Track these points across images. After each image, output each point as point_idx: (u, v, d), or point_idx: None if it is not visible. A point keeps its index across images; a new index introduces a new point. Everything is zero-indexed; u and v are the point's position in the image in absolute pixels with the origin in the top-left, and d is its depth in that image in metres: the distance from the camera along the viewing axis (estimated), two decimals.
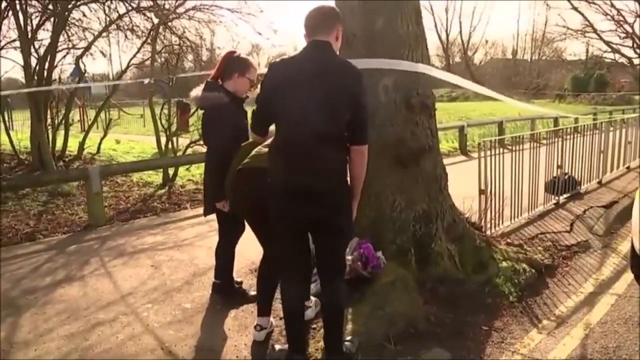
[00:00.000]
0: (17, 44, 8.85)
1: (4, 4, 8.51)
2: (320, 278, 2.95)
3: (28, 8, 8.64)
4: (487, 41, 57.89)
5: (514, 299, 3.93)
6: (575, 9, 29.10)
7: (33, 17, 8.92)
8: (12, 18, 8.37)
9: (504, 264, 4.26)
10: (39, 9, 8.95)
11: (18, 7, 8.22)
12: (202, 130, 3.84)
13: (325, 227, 2.72)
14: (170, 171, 8.52)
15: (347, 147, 2.67)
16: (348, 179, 2.73)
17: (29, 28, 8.68)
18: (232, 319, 3.65)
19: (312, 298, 3.53)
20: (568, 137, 7.00)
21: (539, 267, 4.44)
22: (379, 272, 3.75)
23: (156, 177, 8.73)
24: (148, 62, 10.02)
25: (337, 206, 2.67)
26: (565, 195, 6.83)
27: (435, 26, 52.85)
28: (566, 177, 6.89)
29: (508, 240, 5.01)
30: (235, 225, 3.71)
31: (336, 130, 2.62)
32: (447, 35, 54.23)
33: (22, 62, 8.51)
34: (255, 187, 2.85)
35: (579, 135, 7.34)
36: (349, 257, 3.64)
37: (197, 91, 3.59)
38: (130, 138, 15.23)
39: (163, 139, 8.85)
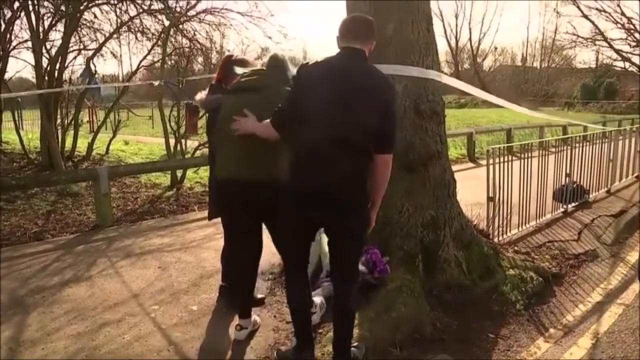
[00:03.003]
0: (29, 44, 8.95)
1: (16, 5, 8.59)
2: (333, 282, 2.96)
3: (40, 9, 8.72)
4: (496, 48, 57.71)
5: (521, 306, 3.92)
6: (586, 16, 28.83)
7: (45, 17, 9.02)
8: (24, 18, 8.45)
9: (511, 271, 4.25)
10: (51, 10, 9.03)
11: (30, 7, 8.29)
12: (207, 132, 3.87)
13: (339, 231, 2.74)
14: (179, 173, 8.55)
15: (370, 154, 2.65)
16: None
17: (40, 29, 8.77)
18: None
19: (317, 303, 3.52)
20: (577, 145, 6.97)
21: (546, 275, 4.43)
22: (385, 278, 3.74)
23: (164, 178, 8.77)
24: (158, 64, 10.07)
25: (350, 211, 2.67)
26: (573, 204, 6.80)
27: (445, 32, 52.70)
28: (575, 185, 6.86)
29: (515, 247, 4.99)
30: None
31: (359, 137, 2.60)
32: (457, 41, 54.13)
33: (33, 62, 8.59)
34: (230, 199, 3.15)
35: (588, 143, 7.31)
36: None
37: (202, 94, 3.64)
38: (139, 139, 15.29)
39: (172, 141, 8.89)
